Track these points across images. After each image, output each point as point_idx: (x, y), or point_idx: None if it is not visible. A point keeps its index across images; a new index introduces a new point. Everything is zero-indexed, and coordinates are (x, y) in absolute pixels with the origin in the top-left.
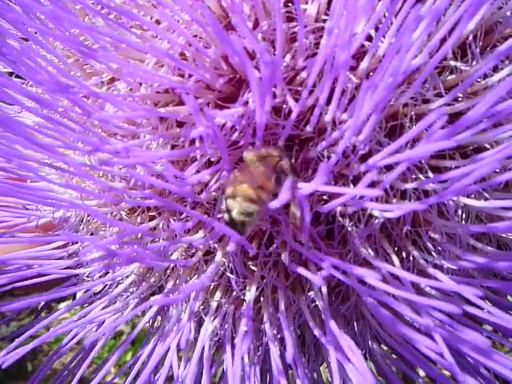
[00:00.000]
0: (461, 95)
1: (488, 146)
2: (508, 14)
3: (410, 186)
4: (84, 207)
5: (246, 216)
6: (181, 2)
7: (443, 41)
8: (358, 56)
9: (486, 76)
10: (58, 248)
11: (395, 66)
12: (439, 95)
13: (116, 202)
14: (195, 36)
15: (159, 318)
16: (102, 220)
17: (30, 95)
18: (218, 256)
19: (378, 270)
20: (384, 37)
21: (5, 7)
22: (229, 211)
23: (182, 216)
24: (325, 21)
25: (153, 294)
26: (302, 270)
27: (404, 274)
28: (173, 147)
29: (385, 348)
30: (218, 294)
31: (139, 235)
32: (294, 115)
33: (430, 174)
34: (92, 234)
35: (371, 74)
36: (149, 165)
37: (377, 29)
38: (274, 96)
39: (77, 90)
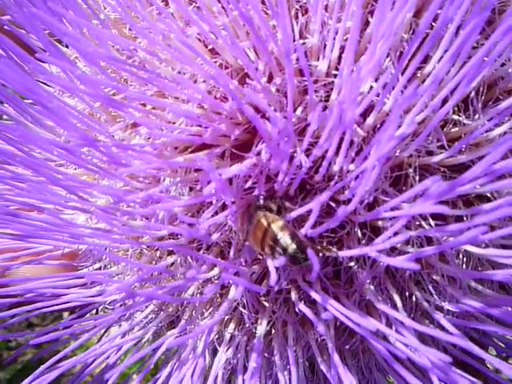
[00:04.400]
0: (463, 146)
1: (489, 195)
2: (510, 70)
3: (413, 233)
4: (107, 253)
5: (299, 243)
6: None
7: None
8: (365, 110)
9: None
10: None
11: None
12: (443, 147)
13: (136, 238)
14: (214, 87)
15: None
16: (123, 262)
17: (59, 145)
18: (232, 293)
19: (382, 312)
20: (390, 93)
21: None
22: (285, 249)
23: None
24: (335, 75)
25: (171, 322)
26: (308, 313)
27: (406, 320)
28: (191, 189)
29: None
30: (231, 326)
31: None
32: (304, 169)
33: (432, 222)
34: (114, 264)
35: (377, 125)
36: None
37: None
38: None
39: (104, 144)
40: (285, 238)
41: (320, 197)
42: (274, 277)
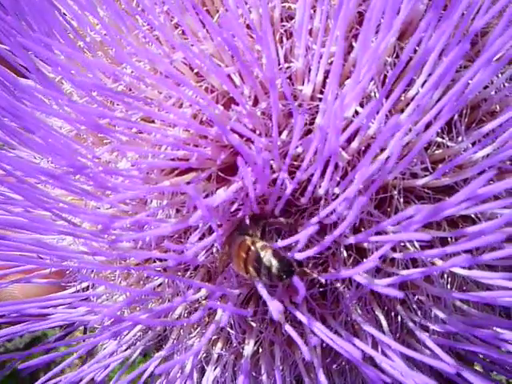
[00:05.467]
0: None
1: (473, 216)
2: (492, 93)
3: (398, 255)
4: (93, 280)
5: (282, 260)
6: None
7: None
8: (350, 135)
9: None
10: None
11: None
12: (427, 169)
13: (123, 258)
14: (200, 110)
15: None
16: (109, 287)
17: (45, 172)
18: (219, 314)
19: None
20: (374, 118)
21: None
22: (269, 268)
23: (186, 275)
24: (320, 99)
25: (160, 341)
26: (294, 335)
27: (392, 343)
28: (177, 211)
29: None
30: (219, 345)
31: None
32: (288, 191)
33: (417, 244)
34: None
35: (362, 148)
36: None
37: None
38: (271, 168)
39: (91, 171)
40: (267, 257)
41: (307, 230)
42: (276, 313)
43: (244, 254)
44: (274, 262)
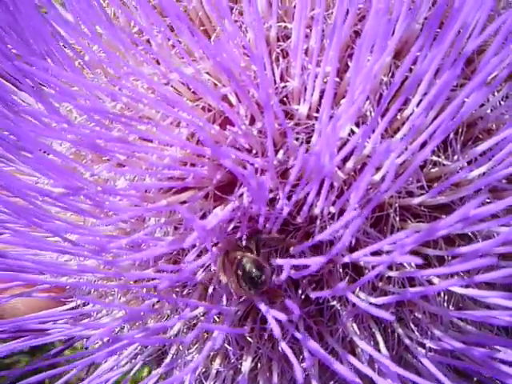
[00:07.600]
0: None
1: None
2: (488, 111)
3: (394, 274)
4: (90, 298)
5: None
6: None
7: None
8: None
9: None
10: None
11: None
12: (423, 187)
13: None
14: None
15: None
16: (105, 306)
17: (43, 193)
18: (216, 332)
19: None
20: (370, 137)
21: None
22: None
23: (184, 292)
24: (316, 118)
25: (160, 354)
26: (290, 354)
27: (386, 361)
28: (175, 228)
29: None
30: (217, 361)
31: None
32: (285, 212)
33: (413, 264)
34: (101, 297)
35: (358, 167)
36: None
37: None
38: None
39: (87, 192)
40: (244, 261)
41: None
42: (277, 331)
43: (230, 263)
44: (248, 266)
